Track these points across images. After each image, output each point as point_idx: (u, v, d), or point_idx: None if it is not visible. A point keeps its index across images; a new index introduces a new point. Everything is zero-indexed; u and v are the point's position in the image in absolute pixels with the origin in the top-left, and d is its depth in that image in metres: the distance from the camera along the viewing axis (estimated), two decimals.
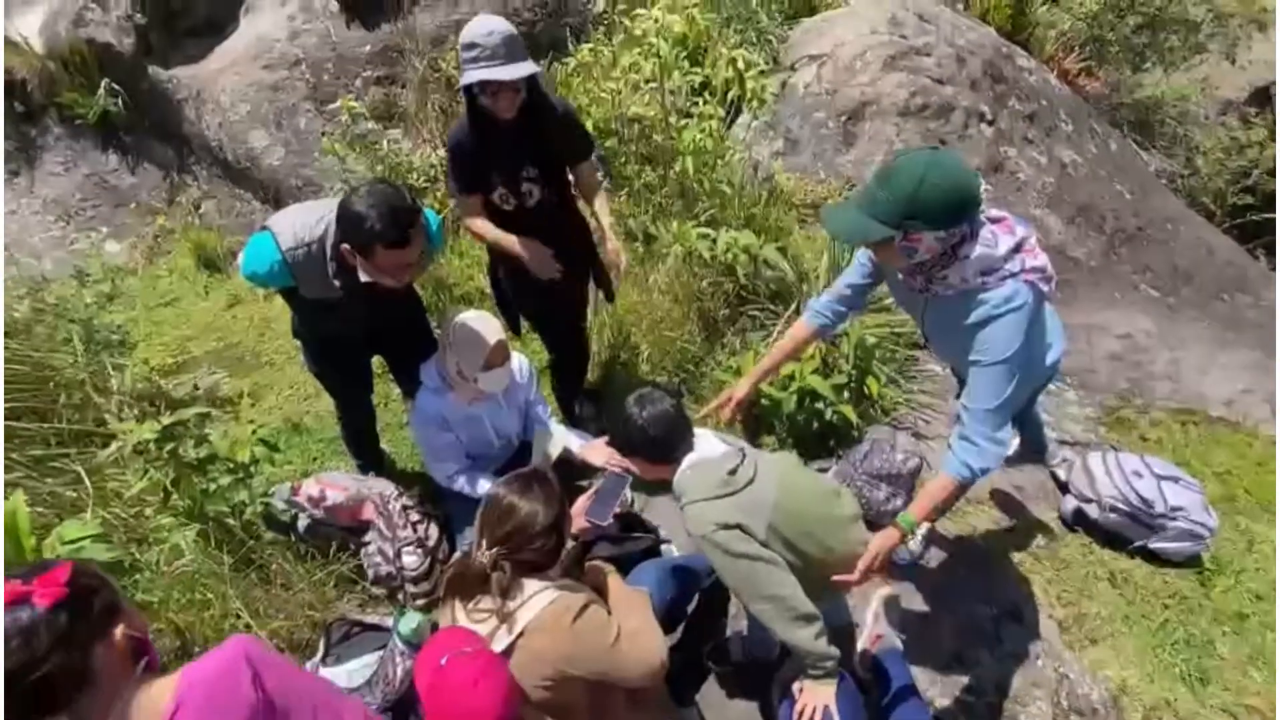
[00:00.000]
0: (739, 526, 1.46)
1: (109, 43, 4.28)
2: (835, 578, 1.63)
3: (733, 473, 1.52)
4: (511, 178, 2.06)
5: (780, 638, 1.54)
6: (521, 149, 2.03)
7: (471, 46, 1.81)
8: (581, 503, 1.73)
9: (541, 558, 1.41)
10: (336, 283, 1.81)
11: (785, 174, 3.54)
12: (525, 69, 1.84)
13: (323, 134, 3.87)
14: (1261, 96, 7.26)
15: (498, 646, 1.34)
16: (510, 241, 2.10)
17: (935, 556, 2.46)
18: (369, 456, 2.56)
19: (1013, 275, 1.46)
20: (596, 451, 2.24)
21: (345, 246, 1.70)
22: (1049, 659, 2.26)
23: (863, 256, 1.81)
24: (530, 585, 1.38)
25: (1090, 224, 4.32)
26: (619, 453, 1.69)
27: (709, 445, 1.62)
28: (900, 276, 1.61)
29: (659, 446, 1.57)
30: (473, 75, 1.83)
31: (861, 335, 2.61)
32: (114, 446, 1.80)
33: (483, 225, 2.13)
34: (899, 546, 1.93)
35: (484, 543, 1.39)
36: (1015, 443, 2.45)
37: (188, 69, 4.32)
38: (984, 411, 1.52)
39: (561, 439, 2.37)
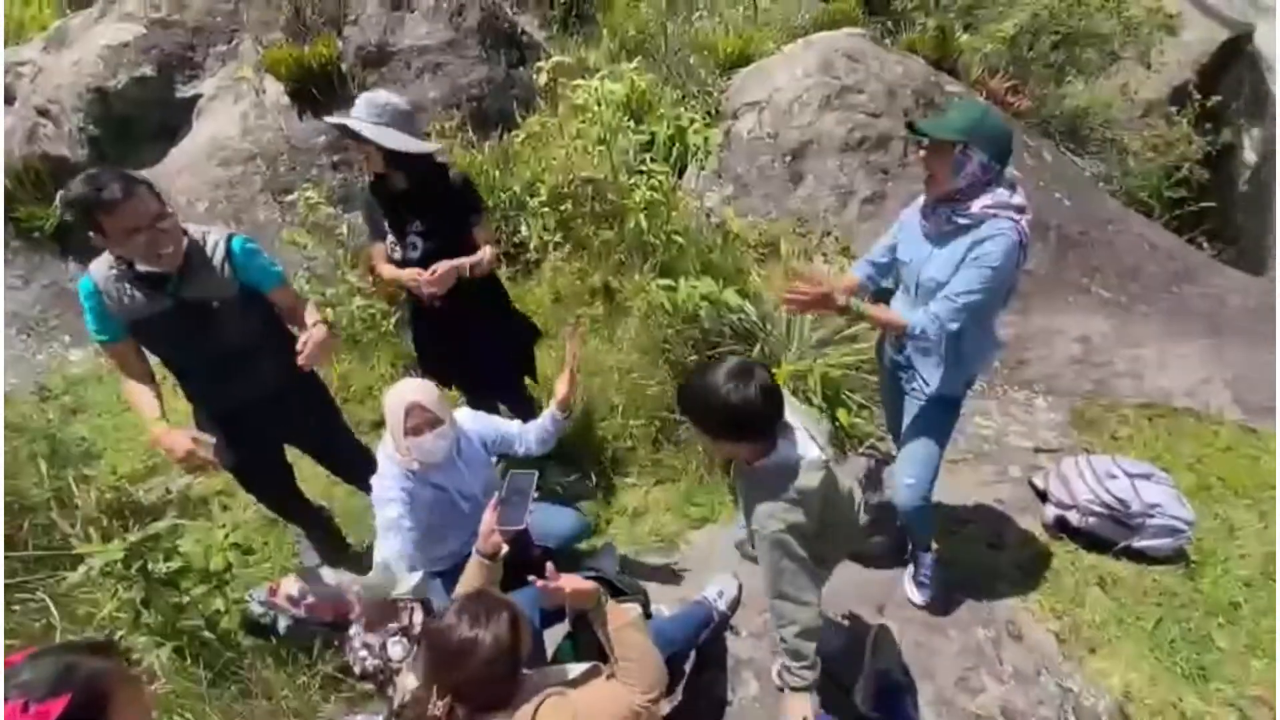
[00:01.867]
0: (799, 528, 1.55)
1: (63, 155, 4.34)
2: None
3: (810, 484, 1.55)
4: (399, 232, 2.28)
5: (781, 634, 1.67)
6: (410, 207, 2.25)
7: (361, 103, 2.11)
8: (490, 514, 1.66)
9: (501, 696, 1.33)
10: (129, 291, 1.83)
11: (737, 217, 3.65)
12: (387, 137, 2.06)
13: (282, 223, 3.92)
14: (1181, 94, 7.68)
15: None
16: (399, 275, 2.27)
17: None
18: (301, 515, 2.56)
19: (1012, 219, 1.77)
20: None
21: (91, 235, 1.75)
22: (1050, 675, 2.25)
23: (885, 236, 2.13)
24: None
25: (1036, 234, 4.47)
26: (698, 426, 1.57)
27: (801, 441, 1.58)
28: (920, 224, 1.93)
29: (749, 429, 1.50)
30: (339, 118, 2.11)
31: (826, 369, 2.66)
32: (80, 570, 1.75)
33: (382, 267, 2.36)
34: (912, 587, 2.35)
35: (434, 692, 1.31)
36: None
37: (146, 171, 4.38)
38: (954, 306, 1.79)
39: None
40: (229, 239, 1.99)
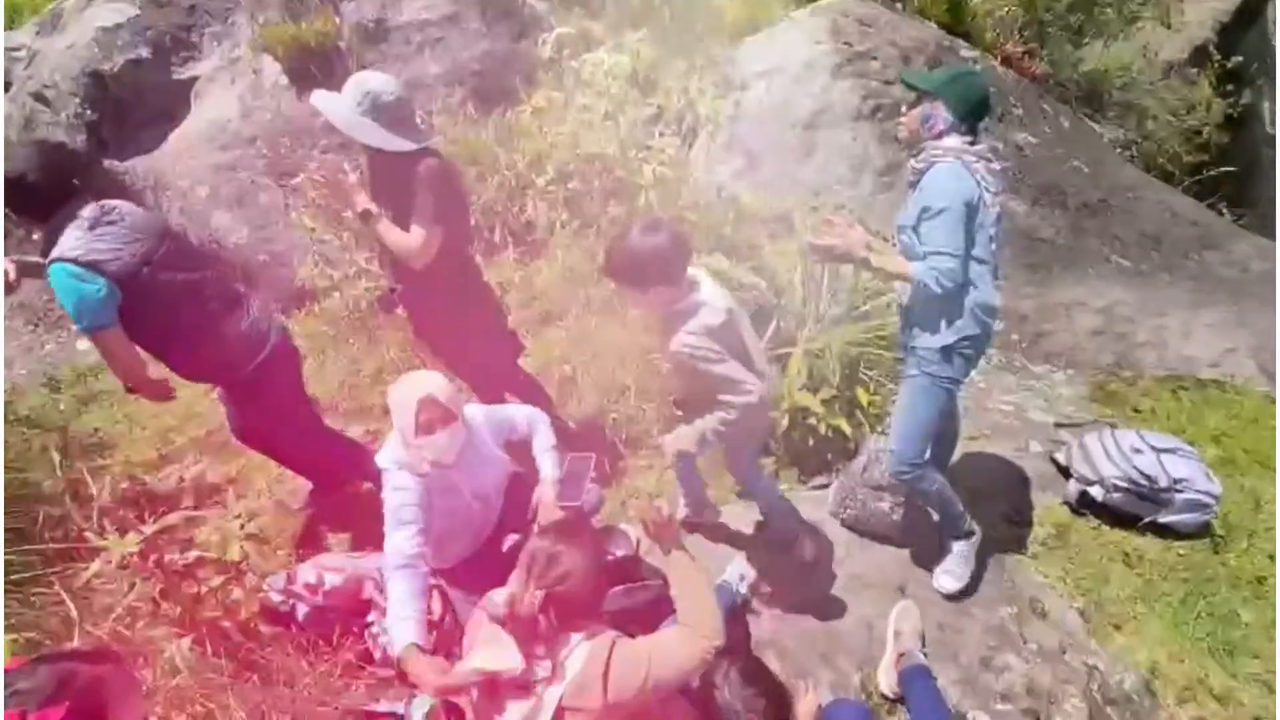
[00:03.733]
0: (707, 346, 1.79)
1: (61, 141, 4.27)
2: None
3: (713, 320, 1.80)
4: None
5: (698, 426, 1.89)
6: (373, 194, 2.13)
7: (348, 88, 2.02)
8: (550, 489, 1.77)
9: (587, 599, 1.46)
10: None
11: (747, 191, 3.56)
12: (362, 131, 1.99)
13: (286, 207, 3.86)
14: (1201, 54, 7.44)
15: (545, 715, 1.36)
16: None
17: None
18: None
19: (961, 159, 1.86)
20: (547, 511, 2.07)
21: None
22: (1076, 652, 2.23)
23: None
24: (572, 638, 1.43)
25: (1053, 203, 4.38)
26: (621, 281, 1.82)
27: (708, 291, 1.84)
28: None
29: (662, 273, 1.74)
30: (323, 101, 2.05)
31: (844, 348, 2.60)
32: (97, 564, 1.74)
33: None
34: (941, 575, 2.34)
35: (530, 587, 1.42)
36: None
37: (143, 159, 4.31)
38: (945, 257, 1.83)
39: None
40: None
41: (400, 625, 1.68)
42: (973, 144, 1.90)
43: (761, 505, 2.41)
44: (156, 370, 2.20)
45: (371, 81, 2.02)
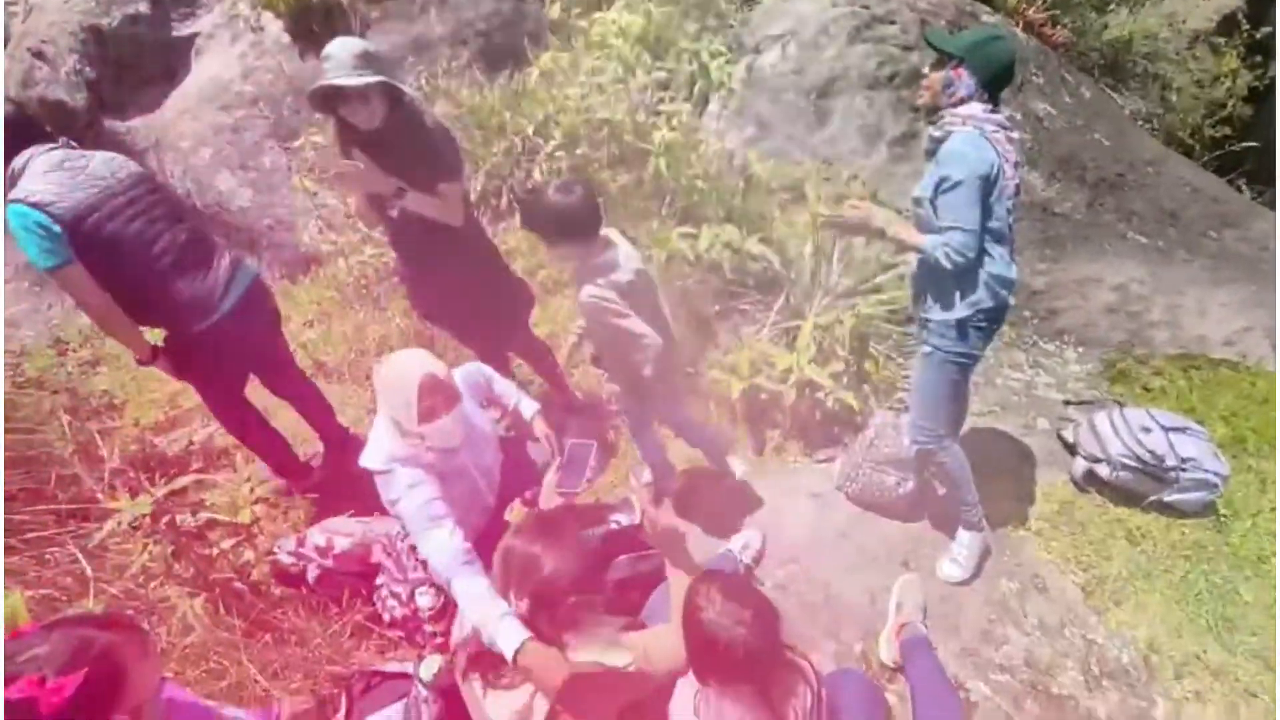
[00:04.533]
0: (612, 300, 1.88)
1: (61, 100, 4.20)
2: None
3: (622, 278, 1.90)
4: (373, 202, 2.15)
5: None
6: (381, 163, 2.05)
7: (326, 59, 1.93)
8: (551, 476, 1.74)
9: (575, 613, 1.42)
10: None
11: (760, 160, 3.49)
12: (370, 79, 1.91)
13: (290, 170, 3.80)
14: (1230, 23, 7.20)
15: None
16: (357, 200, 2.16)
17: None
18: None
19: (979, 128, 1.81)
20: (539, 425, 2.10)
21: None
22: (1075, 626, 2.25)
23: None
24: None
25: (1071, 176, 4.28)
26: (538, 232, 1.91)
27: (622, 252, 1.95)
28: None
29: (575, 230, 1.86)
30: (320, 82, 1.93)
31: (854, 321, 2.57)
32: (109, 525, 1.76)
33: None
34: (947, 563, 2.32)
35: (512, 594, 1.40)
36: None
37: (144, 119, 4.24)
38: (959, 232, 1.80)
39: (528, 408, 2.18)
40: None
41: (500, 624, 1.47)
42: (993, 112, 1.84)
43: (648, 458, 2.49)
44: None
45: (352, 42, 1.97)
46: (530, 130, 3.49)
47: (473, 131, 3.62)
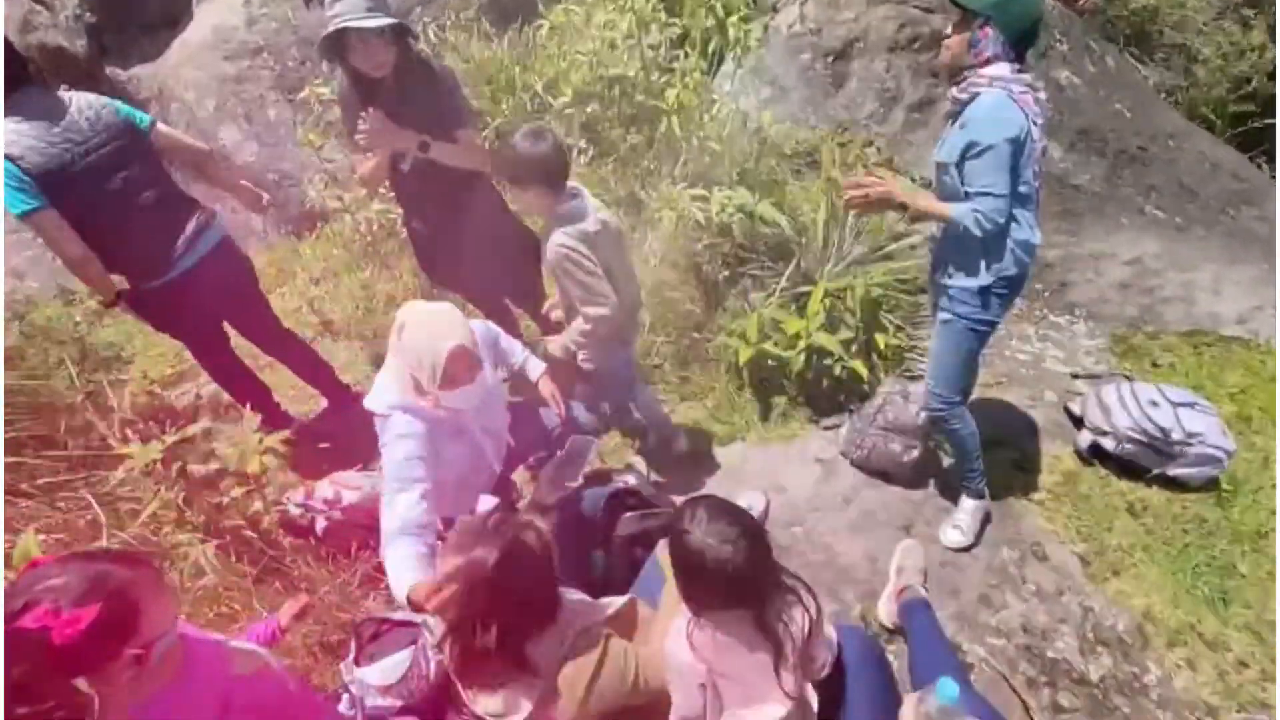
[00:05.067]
0: (581, 252, 1.94)
1: (60, 45, 4.11)
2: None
3: (590, 228, 1.97)
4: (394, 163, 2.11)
5: (574, 334, 2.08)
6: (395, 113, 2.01)
7: (335, 3, 1.89)
8: (549, 468, 1.72)
9: (542, 613, 1.35)
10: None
11: (774, 123, 3.41)
12: (385, 20, 1.88)
13: (295, 122, 3.74)
14: None
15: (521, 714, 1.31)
16: (372, 162, 2.13)
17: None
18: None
19: (1008, 89, 1.75)
20: (545, 385, 2.08)
21: None
22: (1073, 594, 2.28)
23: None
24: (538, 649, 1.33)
25: (1091, 148, 4.19)
26: (499, 175, 1.96)
27: (590, 203, 2.00)
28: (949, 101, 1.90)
29: (543, 176, 1.91)
30: (333, 25, 1.88)
31: (866, 290, 2.55)
32: (120, 471, 1.77)
33: (361, 167, 2.21)
34: (948, 529, 2.33)
35: (475, 624, 1.28)
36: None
37: (146, 67, 4.16)
38: (990, 198, 1.75)
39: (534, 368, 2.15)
40: None
41: (398, 583, 1.53)
42: (1020, 72, 1.79)
43: (642, 413, 2.51)
44: None
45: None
46: (540, 87, 3.42)
47: (481, 87, 3.55)
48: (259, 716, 1.19)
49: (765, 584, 1.32)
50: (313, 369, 2.73)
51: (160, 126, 2.22)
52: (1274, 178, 5.36)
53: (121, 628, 1.01)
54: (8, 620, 0.94)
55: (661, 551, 1.84)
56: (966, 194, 1.79)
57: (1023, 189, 1.81)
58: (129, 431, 2.00)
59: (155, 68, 4.14)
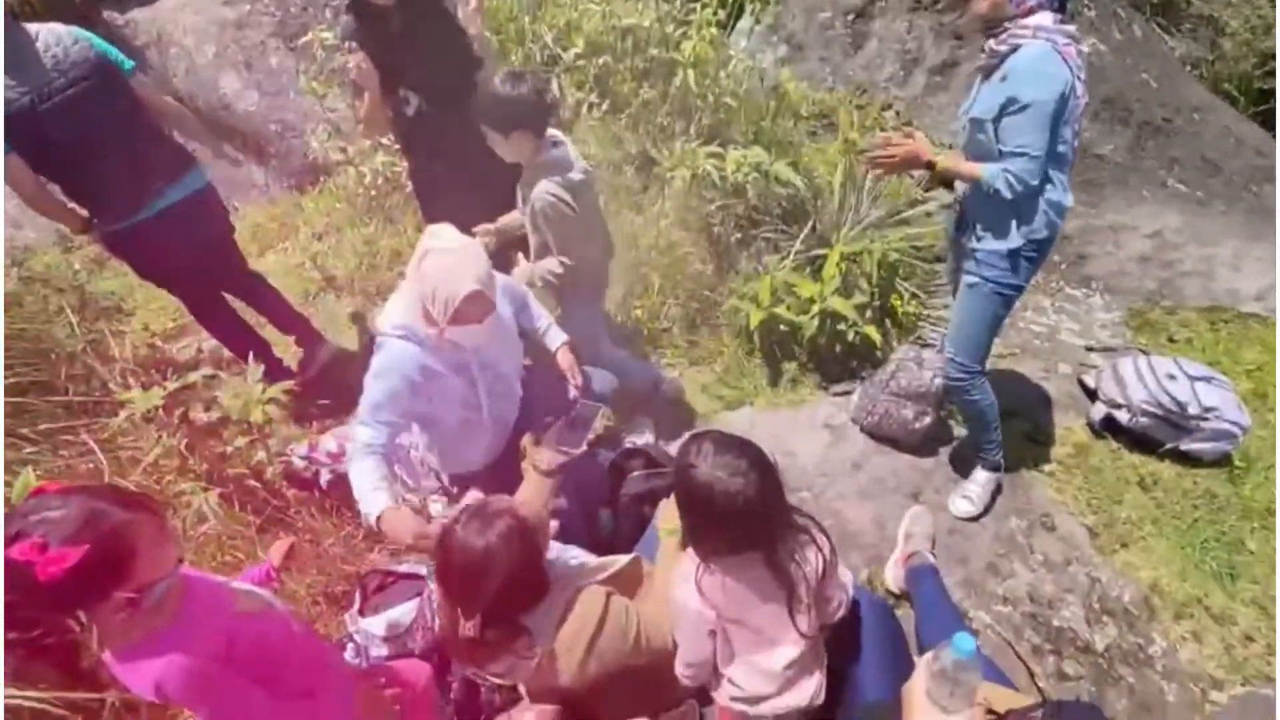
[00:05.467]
0: (567, 203, 1.94)
1: None
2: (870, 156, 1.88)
3: (575, 177, 1.96)
4: (389, 88, 2.06)
5: (543, 271, 2.08)
6: (401, 47, 1.98)
7: None
8: (553, 432, 1.67)
9: (528, 597, 1.30)
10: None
11: (791, 82, 3.30)
12: None
13: (297, 72, 3.62)
14: None
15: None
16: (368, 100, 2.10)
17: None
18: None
19: (1051, 40, 1.65)
20: (564, 357, 1.99)
21: None
22: (1080, 565, 2.27)
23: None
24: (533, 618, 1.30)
25: (1116, 118, 4.07)
26: (482, 121, 1.89)
27: (572, 152, 1.99)
28: (981, 57, 1.80)
29: (525, 120, 1.86)
30: None
31: (884, 252, 2.48)
32: (122, 415, 1.74)
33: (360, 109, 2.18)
34: (958, 498, 2.28)
35: (459, 611, 1.25)
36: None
37: (144, 11, 4.02)
38: (1025, 159, 1.67)
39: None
40: None
41: (368, 500, 1.56)
42: (1063, 23, 1.69)
43: (615, 371, 2.38)
44: None
45: None
46: (550, 37, 3.30)
47: (489, 38, 3.42)
48: (263, 655, 1.17)
49: (777, 521, 1.24)
50: (290, 319, 2.72)
51: (138, 78, 2.16)
52: None
53: (111, 571, 0.98)
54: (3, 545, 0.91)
55: (660, 509, 1.82)
56: (1000, 153, 1.71)
57: (1060, 148, 1.72)
58: (130, 379, 1.96)
59: (153, 12, 4.00)
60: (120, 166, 2.06)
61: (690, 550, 1.30)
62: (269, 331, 2.75)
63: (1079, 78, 1.68)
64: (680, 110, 3.00)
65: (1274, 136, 5.20)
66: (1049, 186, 1.76)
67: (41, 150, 1.94)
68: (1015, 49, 1.68)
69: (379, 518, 1.53)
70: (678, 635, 1.34)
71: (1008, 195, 1.71)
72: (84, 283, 2.69)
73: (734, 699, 1.33)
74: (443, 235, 1.60)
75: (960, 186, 1.96)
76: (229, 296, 2.59)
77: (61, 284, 2.66)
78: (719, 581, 1.26)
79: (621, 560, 1.51)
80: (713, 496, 1.16)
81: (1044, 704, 0.93)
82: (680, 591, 1.30)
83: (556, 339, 1.98)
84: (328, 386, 2.54)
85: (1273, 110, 5.89)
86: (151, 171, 2.14)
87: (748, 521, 1.17)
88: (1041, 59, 1.63)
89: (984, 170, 1.74)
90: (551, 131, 1.97)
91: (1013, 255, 1.84)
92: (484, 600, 1.23)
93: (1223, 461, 2.57)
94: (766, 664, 1.27)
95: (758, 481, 1.17)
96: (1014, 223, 1.80)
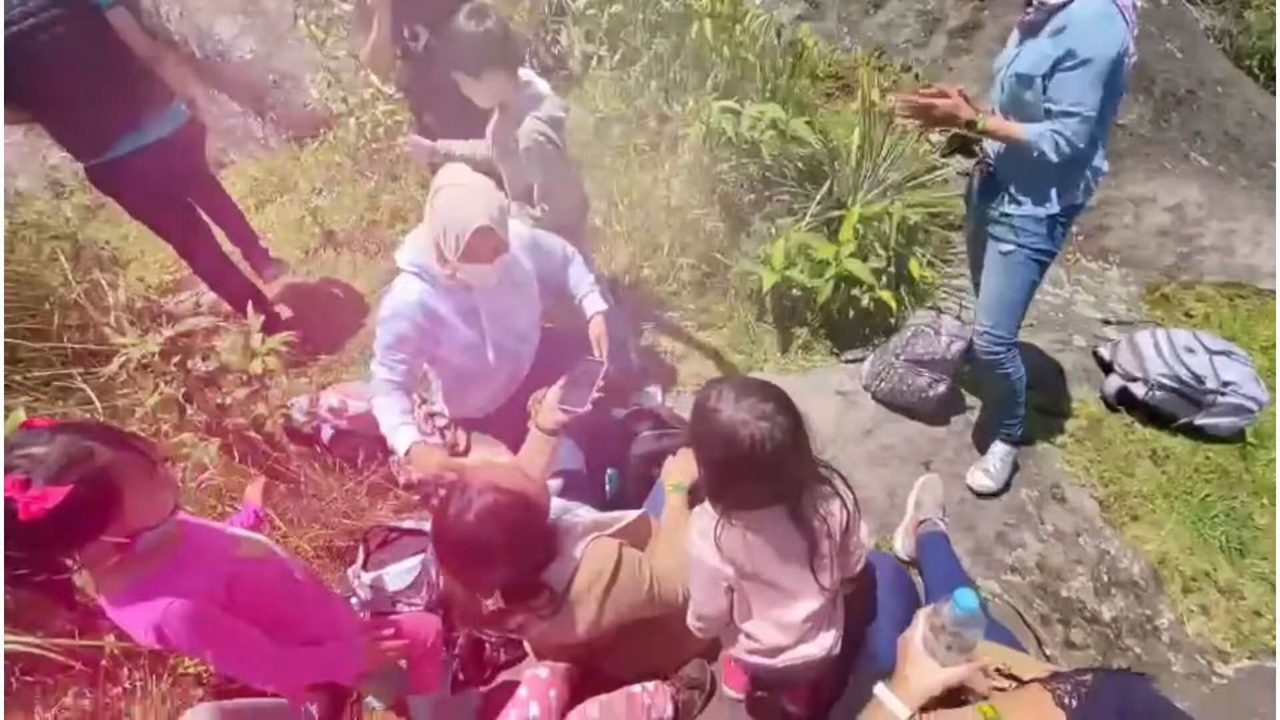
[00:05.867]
0: (552, 139, 1.87)
1: None
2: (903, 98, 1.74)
3: (556, 112, 1.90)
4: (400, 18, 2.01)
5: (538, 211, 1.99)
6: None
7: None
8: (555, 391, 1.62)
9: (542, 561, 1.29)
10: None
11: (809, 39, 3.19)
12: None
13: (296, 17, 3.48)
14: None
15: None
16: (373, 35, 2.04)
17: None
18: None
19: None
20: (596, 326, 1.91)
21: None
22: (1090, 536, 2.25)
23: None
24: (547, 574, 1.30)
25: (1139, 87, 3.95)
26: (459, 68, 1.80)
27: (545, 88, 1.92)
28: (1022, 21, 1.69)
29: (494, 56, 1.77)
30: None
31: (904, 214, 2.41)
32: (117, 361, 1.68)
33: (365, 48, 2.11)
34: (978, 473, 2.24)
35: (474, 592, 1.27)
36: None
37: None
38: (1076, 119, 1.56)
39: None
40: None
41: (396, 434, 1.64)
42: None
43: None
44: None
45: None
46: None
47: None
48: (266, 601, 1.14)
49: (804, 471, 1.16)
50: (248, 242, 2.81)
51: (119, 11, 2.10)
52: None
53: (97, 513, 0.94)
54: None
55: (667, 464, 1.78)
56: (1048, 112, 1.61)
57: (1106, 110, 1.62)
58: (127, 324, 1.90)
59: None
60: (93, 99, 2.04)
61: (707, 505, 1.24)
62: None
63: (1133, 35, 1.58)
64: (695, 64, 2.89)
65: None
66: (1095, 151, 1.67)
67: (9, 79, 1.90)
68: (1068, 2, 1.57)
69: (407, 452, 1.62)
70: (692, 589, 1.31)
71: (1054, 158, 1.61)
72: (77, 230, 2.60)
73: (751, 652, 1.30)
74: (456, 172, 1.59)
75: (992, 149, 1.87)
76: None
77: (54, 231, 2.59)
78: (739, 537, 1.20)
79: (630, 515, 1.48)
80: (737, 441, 1.07)
81: (1094, 670, 0.89)
82: (697, 548, 1.25)
83: (593, 306, 1.91)
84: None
85: None
86: (125, 105, 2.12)
87: (774, 470, 1.09)
88: (1101, 13, 1.52)
89: (1027, 131, 1.63)
90: (523, 71, 1.89)
91: (1051, 221, 1.76)
92: (492, 579, 1.23)
93: (1234, 437, 2.55)
94: (786, 618, 1.24)
95: (785, 425, 1.09)
96: (1055, 189, 1.71)
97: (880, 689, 0.97)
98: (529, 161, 1.90)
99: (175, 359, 1.70)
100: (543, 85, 1.91)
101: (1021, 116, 1.69)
